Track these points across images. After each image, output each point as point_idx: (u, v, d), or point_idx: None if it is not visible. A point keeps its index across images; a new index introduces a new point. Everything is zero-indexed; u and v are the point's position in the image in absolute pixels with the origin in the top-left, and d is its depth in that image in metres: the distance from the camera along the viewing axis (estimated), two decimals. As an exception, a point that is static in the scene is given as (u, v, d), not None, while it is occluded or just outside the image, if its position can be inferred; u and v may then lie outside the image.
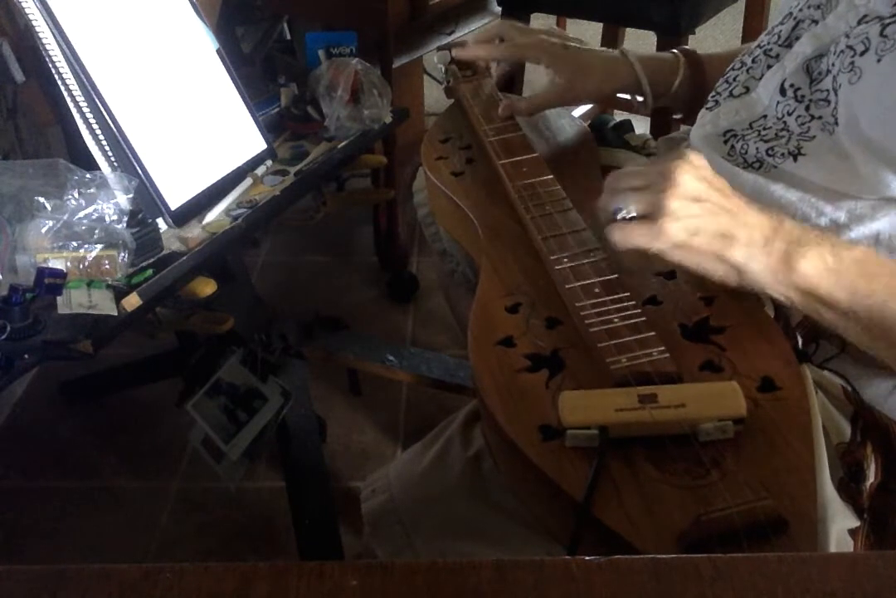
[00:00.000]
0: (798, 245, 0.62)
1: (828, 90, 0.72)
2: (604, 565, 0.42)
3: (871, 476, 0.66)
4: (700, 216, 0.62)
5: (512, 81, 1.02)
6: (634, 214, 0.63)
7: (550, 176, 0.84)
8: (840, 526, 0.61)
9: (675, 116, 1.01)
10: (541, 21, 1.82)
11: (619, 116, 1.10)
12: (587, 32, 2.35)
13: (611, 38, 2.06)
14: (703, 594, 0.41)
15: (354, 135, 1.18)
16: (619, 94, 0.98)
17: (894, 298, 0.61)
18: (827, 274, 0.61)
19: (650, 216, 0.62)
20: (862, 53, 0.68)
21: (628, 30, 2.03)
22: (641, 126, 1.18)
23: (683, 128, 1.05)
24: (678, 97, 0.96)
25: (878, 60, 0.66)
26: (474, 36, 1.01)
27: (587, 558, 0.43)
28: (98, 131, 0.92)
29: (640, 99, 0.97)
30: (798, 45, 0.76)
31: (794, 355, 0.65)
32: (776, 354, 0.65)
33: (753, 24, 1.78)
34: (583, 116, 2.02)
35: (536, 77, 1.07)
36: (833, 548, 0.59)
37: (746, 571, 0.42)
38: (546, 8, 1.70)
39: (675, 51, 0.97)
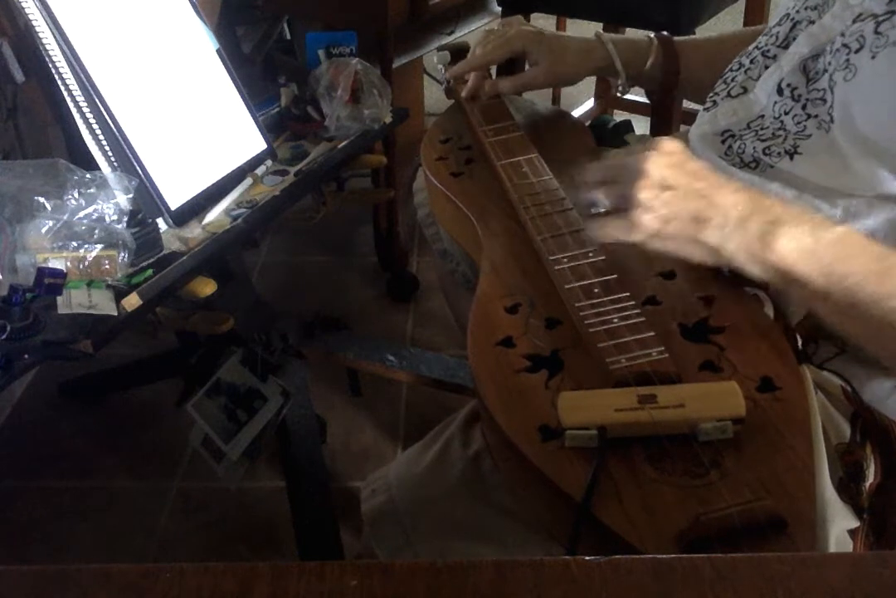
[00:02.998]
0: (776, 224, 0.62)
1: (824, 89, 0.72)
2: (604, 565, 0.42)
3: (871, 476, 0.66)
4: (671, 203, 0.63)
5: (512, 71, 1.04)
6: (607, 208, 0.65)
7: (550, 176, 0.84)
8: (840, 526, 0.61)
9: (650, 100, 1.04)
10: (541, 21, 1.82)
11: (619, 116, 1.10)
12: (587, 33, 2.35)
13: (611, 38, 2.05)
14: (702, 594, 0.41)
15: (354, 135, 1.18)
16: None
17: (869, 281, 0.60)
18: (803, 255, 0.61)
19: (623, 209, 0.64)
20: (857, 51, 0.68)
21: (628, 30, 2.03)
22: (641, 126, 1.18)
23: (683, 128, 1.05)
24: (652, 78, 1.00)
25: (873, 57, 0.67)
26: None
27: (587, 558, 0.43)
28: (98, 131, 0.92)
29: (617, 81, 1.01)
30: (795, 45, 0.76)
31: (794, 356, 0.65)
32: (776, 354, 0.65)
33: (753, 24, 1.78)
34: (583, 116, 2.02)
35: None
36: (833, 548, 0.59)
37: (746, 571, 0.42)
38: (546, 8, 1.70)
39: (650, 35, 1.00)
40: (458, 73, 1.04)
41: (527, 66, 1.02)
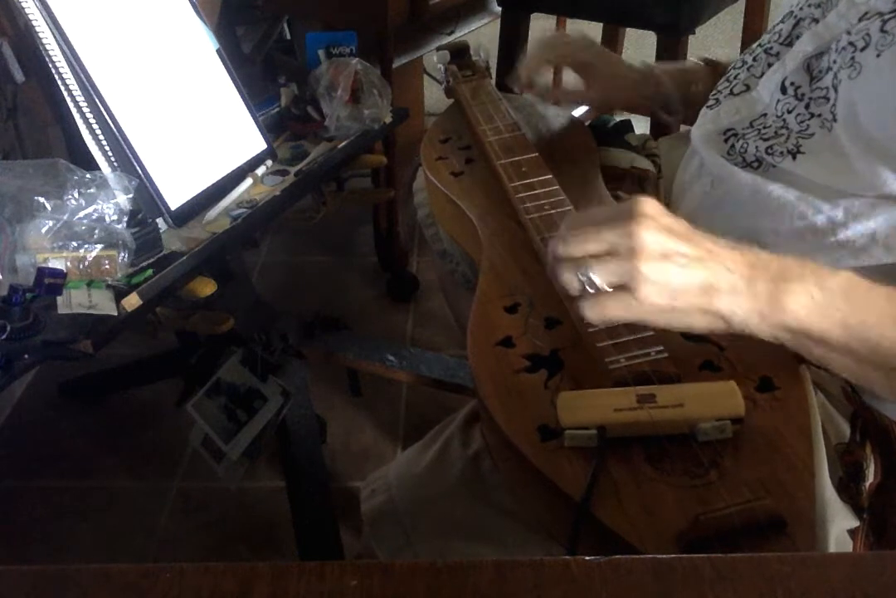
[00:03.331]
0: (782, 281, 0.58)
1: (827, 87, 0.72)
2: (604, 565, 0.42)
3: (871, 476, 0.66)
4: (677, 276, 0.57)
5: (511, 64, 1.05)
6: (605, 286, 0.57)
7: (550, 176, 0.84)
8: (839, 526, 0.61)
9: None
10: (541, 21, 1.82)
11: (619, 116, 1.10)
12: (587, 33, 2.35)
13: (611, 38, 2.05)
14: (702, 594, 0.41)
15: (354, 135, 1.18)
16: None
17: (886, 326, 0.58)
18: (816, 310, 0.58)
19: (624, 286, 0.57)
20: (862, 49, 0.68)
21: (628, 30, 2.03)
22: (641, 126, 1.18)
23: (684, 128, 1.05)
24: (698, 103, 0.95)
25: (878, 55, 0.67)
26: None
27: (587, 558, 0.43)
28: (98, 131, 0.92)
29: (659, 112, 1.00)
30: (799, 43, 0.76)
31: (794, 355, 0.65)
32: (775, 354, 0.65)
33: (753, 24, 1.78)
34: (583, 116, 2.02)
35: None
36: (832, 548, 0.59)
37: (746, 571, 0.42)
38: (546, 8, 1.70)
39: (698, 61, 0.99)
40: (529, 67, 1.02)
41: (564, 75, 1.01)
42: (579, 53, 0.98)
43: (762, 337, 0.60)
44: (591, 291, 0.58)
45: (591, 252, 0.58)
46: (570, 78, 1.02)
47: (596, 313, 0.58)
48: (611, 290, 0.58)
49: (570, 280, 0.59)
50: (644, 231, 0.56)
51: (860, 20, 0.70)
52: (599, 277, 0.57)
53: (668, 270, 0.57)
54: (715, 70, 0.97)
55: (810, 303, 0.58)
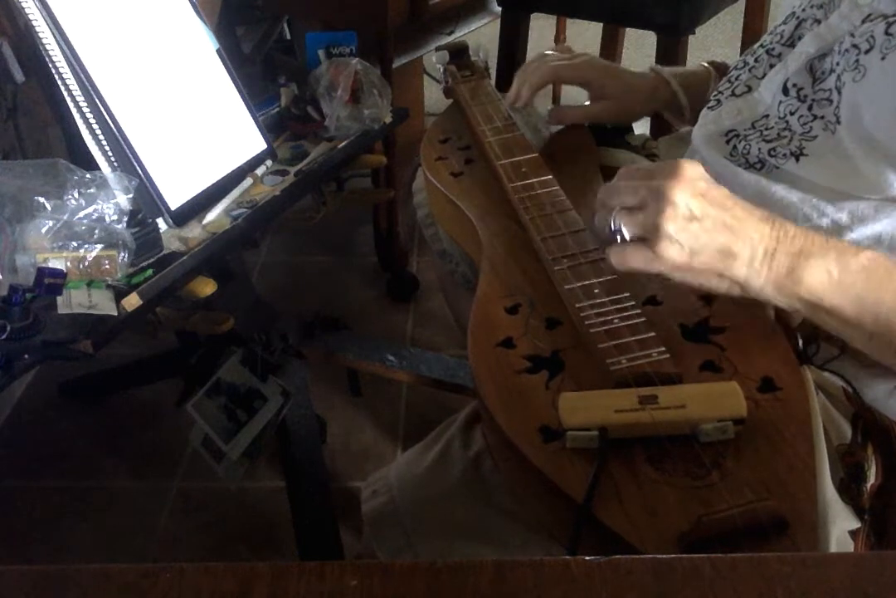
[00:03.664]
0: (802, 257, 0.60)
1: (830, 89, 0.72)
2: (604, 565, 0.42)
3: (872, 477, 0.66)
4: (698, 236, 0.60)
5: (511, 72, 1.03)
6: (630, 237, 0.61)
7: (549, 176, 0.84)
8: (841, 527, 0.61)
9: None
10: (541, 21, 1.82)
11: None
12: (587, 32, 2.36)
13: (611, 38, 2.06)
14: (703, 594, 0.41)
15: (354, 135, 1.18)
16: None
17: None
18: (833, 286, 0.60)
19: (647, 238, 0.61)
20: (867, 52, 0.68)
21: (628, 30, 2.03)
22: (641, 126, 1.18)
23: (684, 128, 1.05)
24: None
25: (883, 58, 0.67)
26: (523, 77, 1.00)
27: (587, 558, 0.43)
28: (98, 131, 0.92)
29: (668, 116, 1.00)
30: (801, 44, 0.76)
31: (795, 356, 0.65)
32: (777, 354, 0.65)
33: (753, 24, 1.78)
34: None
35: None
36: (833, 549, 0.59)
37: (746, 571, 0.42)
38: (546, 8, 1.70)
39: (704, 64, 0.99)
40: (518, 90, 1.00)
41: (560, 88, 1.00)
42: (585, 73, 0.98)
43: (777, 305, 0.63)
44: (618, 239, 0.62)
45: (626, 204, 0.62)
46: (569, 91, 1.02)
47: (618, 260, 0.62)
48: (634, 241, 0.61)
49: (601, 227, 0.63)
50: (677, 191, 0.60)
51: (863, 22, 0.70)
52: (626, 227, 0.61)
53: (690, 231, 0.60)
54: (723, 74, 0.97)
55: (827, 278, 0.60)
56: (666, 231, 0.59)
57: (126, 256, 0.87)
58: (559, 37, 2.24)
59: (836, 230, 0.72)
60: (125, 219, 0.89)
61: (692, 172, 0.61)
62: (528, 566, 0.42)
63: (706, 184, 0.62)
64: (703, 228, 0.60)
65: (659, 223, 0.60)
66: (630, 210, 0.62)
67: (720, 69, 0.98)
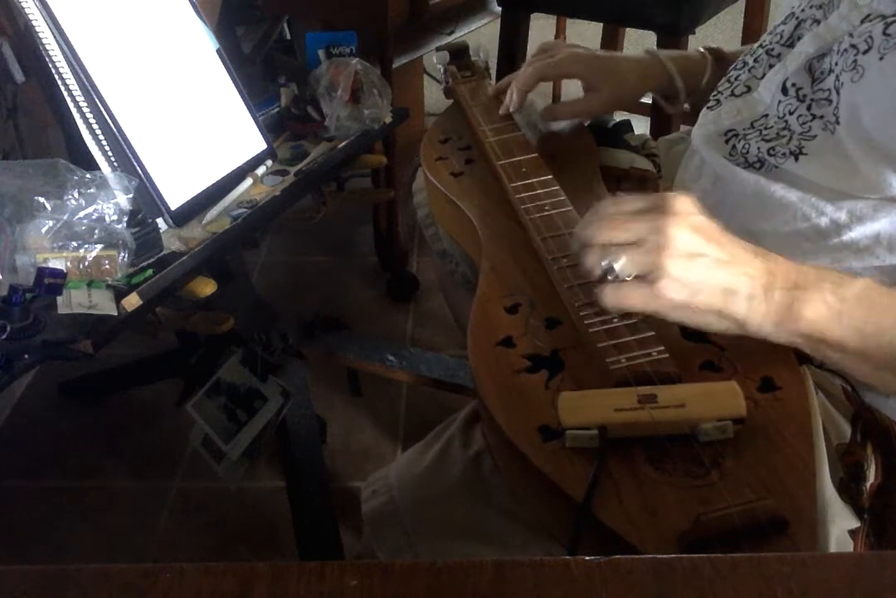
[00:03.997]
0: (798, 290, 0.59)
1: (829, 89, 0.72)
2: (604, 565, 0.42)
3: (872, 477, 0.66)
4: (700, 274, 0.58)
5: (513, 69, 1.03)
6: (625, 275, 0.59)
7: (550, 176, 0.84)
8: (840, 527, 0.61)
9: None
10: (541, 21, 1.82)
11: (619, 116, 1.10)
12: (587, 32, 2.36)
13: (611, 38, 2.06)
14: (702, 593, 0.41)
15: (354, 135, 1.18)
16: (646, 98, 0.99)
17: None
18: (832, 318, 0.59)
19: (645, 278, 0.59)
20: (865, 52, 0.68)
21: (628, 30, 2.03)
22: (641, 126, 1.18)
23: (684, 128, 1.05)
24: (706, 94, 0.95)
25: (881, 58, 0.66)
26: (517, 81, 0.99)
27: (587, 558, 0.43)
28: (98, 131, 0.92)
29: (661, 99, 0.98)
30: (800, 44, 0.76)
31: (795, 356, 0.65)
32: (776, 354, 0.65)
33: (753, 24, 1.78)
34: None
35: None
36: (833, 549, 0.59)
37: (746, 571, 0.42)
38: (546, 8, 1.70)
39: (701, 49, 0.98)
40: (502, 89, 0.99)
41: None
42: (569, 68, 0.97)
43: (778, 342, 0.61)
44: (611, 279, 0.59)
45: (618, 241, 0.59)
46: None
47: (613, 300, 0.60)
48: (630, 280, 0.59)
49: (592, 266, 0.60)
50: (674, 228, 0.58)
51: (862, 22, 0.70)
52: (622, 266, 0.59)
53: (691, 269, 0.58)
54: (719, 59, 0.96)
55: (825, 311, 0.59)
56: (667, 270, 0.58)
57: (126, 256, 0.87)
58: (559, 37, 2.24)
59: (835, 229, 0.72)
60: (125, 219, 0.89)
61: (686, 206, 0.59)
62: (528, 566, 0.42)
63: (700, 218, 0.60)
64: (704, 265, 0.58)
65: (660, 262, 0.57)
66: (624, 248, 0.59)
67: (716, 55, 0.97)
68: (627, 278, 0.59)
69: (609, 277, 0.60)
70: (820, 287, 0.59)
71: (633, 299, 0.60)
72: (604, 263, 0.60)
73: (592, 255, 0.61)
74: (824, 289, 0.59)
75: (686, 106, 0.99)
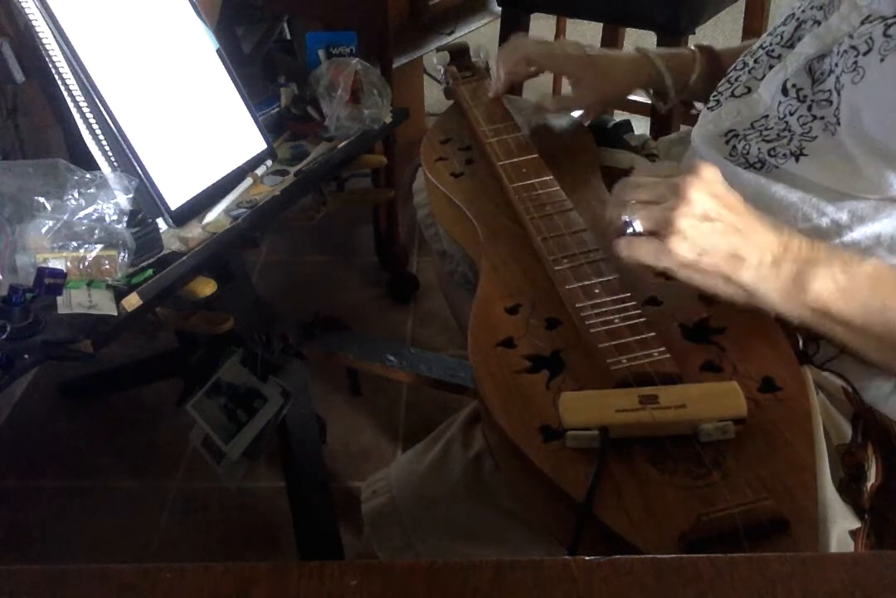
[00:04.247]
0: (808, 264, 0.61)
1: (830, 90, 0.72)
2: (604, 565, 0.42)
3: (872, 477, 0.66)
4: (710, 236, 0.61)
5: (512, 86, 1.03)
6: (642, 230, 0.62)
7: (550, 177, 0.84)
8: (841, 527, 0.61)
9: (693, 112, 1.01)
10: (541, 21, 1.82)
11: (619, 116, 1.10)
12: (587, 32, 2.35)
13: (611, 39, 2.05)
14: (703, 594, 0.41)
15: (354, 135, 1.18)
16: (633, 96, 0.99)
17: None
18: (839, 294, 0.61)
19: (659, 233, 0.61)
20: (865, 53, 0.68)
21: (628, 30, 2.03)
22: (641, 126, 1.18)
23: (684, 128, 1.05)
24: (696, 91, 0.97)
25: (882, 60, 0.66)
26: (500, 59, 1.00)
27: (587, 558, 0.43)
28: (98, 131, 0.92)
29: (651, 95, 0.98)
30: (800, 45, 0.76)
31: (795, 356, 0.65)
32: (777, 354, 0.65)
33: (753, 24, 1.78)
34: (582, 116, 2.02)
35: (535, 81, 1.08)
36: (833, 549, 0.58)
37: (746, 571, 0.42)
38: (546, 8, 1.70)
39: (691, 46, 0.98)
40: (497, 86, 1.00)
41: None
42: (559, 64, 0.98)
43: (783, 314, 0.64)
44: (629, 232, 0.63)
45: (642, 199, 0.63)
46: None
47: (627, 251, 0.63)
48: (647, 235, 0.62)
49: (615, 219, 0.64)
50: (693, 190, 0.61)
51: (862, 23, 0.70)
52: (639, 220, 0.62)
53: (703, 229, 0.61)
54: (710, 57, 0.97)
55: (833, 286, 0.61)
56: (679, 227, 0.60)
57: (126, 256, 0.87)
58: (559, 37, 2.24)
59: (836, 230, 0.72)
60: (125, 219, 0.89)
61: (711, 174, 0.62)
62: (528, 566, 0.42)
63: (723, 187, 0.62)
64: (715, 229, 0.61)
65: (673, 218, 0.60)
66: (645, 204, 0.63)
67: (706, 52, 0.97)
68: (643, 233, 0.62)
69: (627, 231, 0.63)
70: (830, 263, 0.61)
71: (644, 251, 0.62)
72: (625, 217, 0.63)
73: (616, 209, 0.64)
74: (834, 265, 0.61)
75: (671, 104, 1.00)
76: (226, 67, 1.08)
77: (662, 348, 0.65)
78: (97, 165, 0.93)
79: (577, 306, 0.69)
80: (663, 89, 0.97)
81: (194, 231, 0.99)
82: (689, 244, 0.61)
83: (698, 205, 0.61)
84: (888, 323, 0.61)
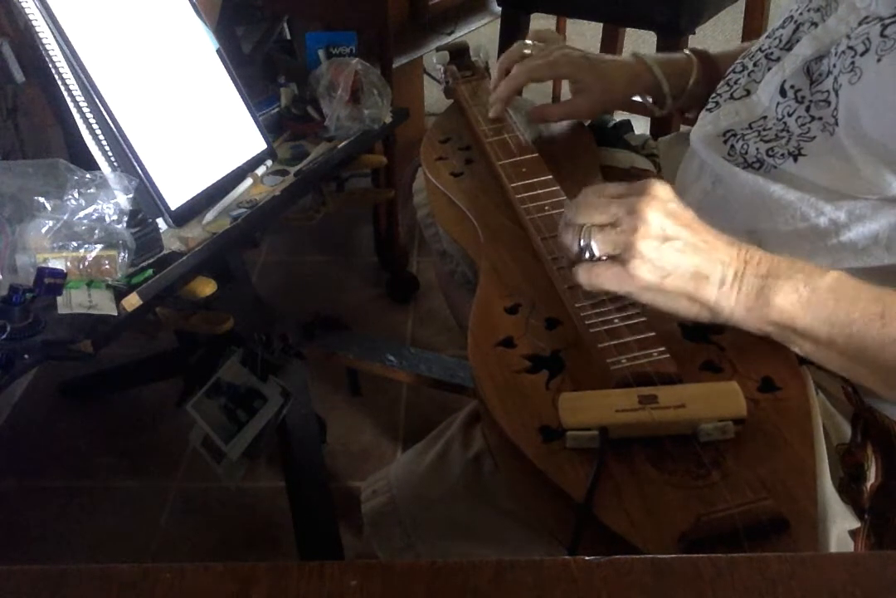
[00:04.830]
0: (770, 278, 0.60)
1: (828, 91, 0.72)
2: (604, 565, 0.42)
3: (872, 477, 0.66)
4: (671, 257, 0.60)
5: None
6: (600, 254, 0.61)
7: (550, 176, 0.84)
8: (840, 527, 0.61)
9: (688, 115, 1.00)
10: (541, 21, 1.82)
11: (619, 116, 1.10)
12: (587, 32, 2.36)
13: (611, 39, 2.06)
14: (703, 594, 0.41)
15: (354, 135, 1.18)
16: (634, 99, 0.99)
17: (872, 325, 0.59)
18: (803, 307, 0.60)
19: (619, 257, 0.60)
20: (862, 54, 0.68)
21: (628, 30, 2.03)
22: (641, 126, 1.18)
23: (684, 128, 1.05)
24: (693, 97, 0.97)
25: (879, 60, 0.66)
26: (500, 64, 0.99)
27: (587, 558, 0.43)
28: (98, 131, 0.92)
29: (650, 100, 0.98)
30: (798, 46, 0.76)
31: (795, 356, 0.65)
32: (776, 354, 0.65)
33: (753, 25, 1.78)
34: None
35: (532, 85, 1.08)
36: (833, 549, 0.58)
37: (746, 571, 0.42)
38: (546, 8, 1.70)
39: (686, 51, 0.98)
40: (501, 91, 0.98)
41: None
42: (560, 70, 0.97)
43: (748, 329, 0.63)
44: (587, 257, 0.61)
45: (596, 222, 0.61)
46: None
47: (587, 278, 0.62)
48: (604, 259, 0.61)
49: (570, 244, 0.62)
50: (649, 210, 0.60)
51: (860, 24, 0.70)
52: (597, 245, 0.61)
53: (662, 251, 0.60)
54: (705, 61, 0.96)
55: (796, 299, 0.60)
56: (639, 250, 0.59)
57: (126, 256, 0.87)
58: (559, 37, 2.24)
59: (834, 229, 0.72)
60: (125, 219, 0.89)
61: (663, 192, 0.61)
62: (528, 566, 0.42)
63: (677, 205, 0.62)
64: (675, 248, 0.60)
65: (632, 241, 0.59)
66: (601, 227, 0.61)
67: (702, 57, 0.97)
68: (603, 258, 0.61)
69: (585, 257, 0.62)
70: (792, 277, 0.61)
71: (605, 277, 0.61)
72: (581, 243, 0.61)
73: (571, 234, 0.62)
74: (796, 278, 0.60)
75: (668, 110, 1.00)
76: (226, 67, 1.08)
77: (662, 348, 0.64)
78: (97, 165, 0.93)
79: (576, 305, 0.69)
80: (660, 96, 0.97)
81: (194, 231, 0.99)
82: (650, 267, 0.60)
83: (655, 225, 0.59)
84: (852, 336, 0.60)
